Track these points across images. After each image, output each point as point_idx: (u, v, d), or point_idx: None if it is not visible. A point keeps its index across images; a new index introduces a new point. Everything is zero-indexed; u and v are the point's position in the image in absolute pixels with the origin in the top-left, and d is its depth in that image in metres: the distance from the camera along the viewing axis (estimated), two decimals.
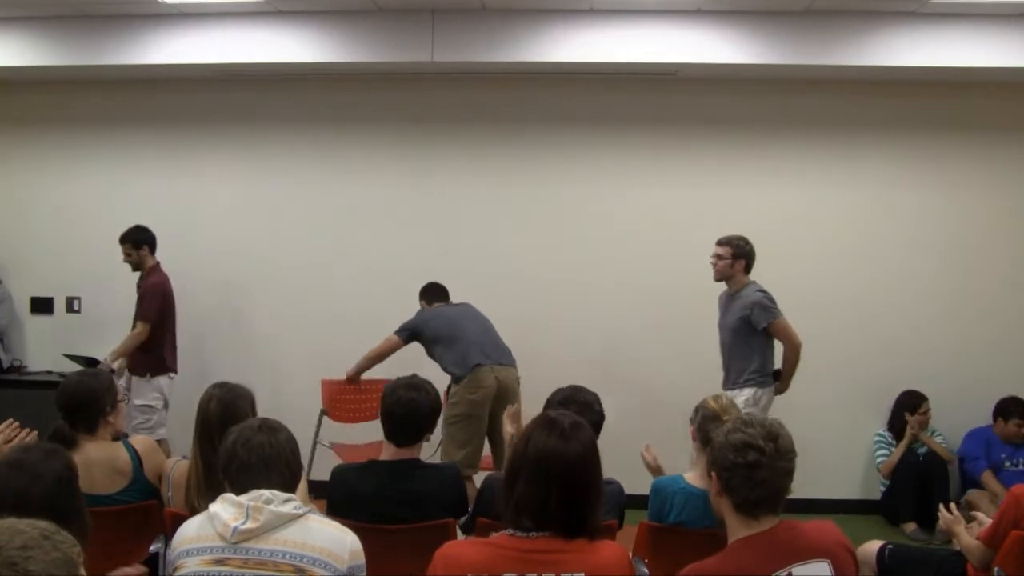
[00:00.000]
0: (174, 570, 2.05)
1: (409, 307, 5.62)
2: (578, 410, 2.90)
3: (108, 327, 5.76)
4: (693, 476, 2.93)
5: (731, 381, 4.64)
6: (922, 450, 5.29)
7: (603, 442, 2.79)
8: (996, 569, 2.92)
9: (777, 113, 5.52)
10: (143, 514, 2.96)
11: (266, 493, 2.06)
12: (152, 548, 2.91)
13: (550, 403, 3.02)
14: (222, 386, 2.95)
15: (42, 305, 5.49)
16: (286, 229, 5.74)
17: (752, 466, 1.97)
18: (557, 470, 1.97)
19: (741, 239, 4.66)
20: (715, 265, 4.67)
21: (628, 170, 5.56)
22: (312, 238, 5.73)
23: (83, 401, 2.97)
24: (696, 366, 5.39)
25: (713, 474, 2.06)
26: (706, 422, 2.90)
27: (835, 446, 5.36)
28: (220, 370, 5.53)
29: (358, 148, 5.71)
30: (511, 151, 5.63)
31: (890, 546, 3.31)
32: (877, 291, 5.44)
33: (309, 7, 5.09)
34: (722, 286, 4.74)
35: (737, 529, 2.03)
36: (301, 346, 5.70)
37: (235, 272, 5.76)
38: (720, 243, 4.66)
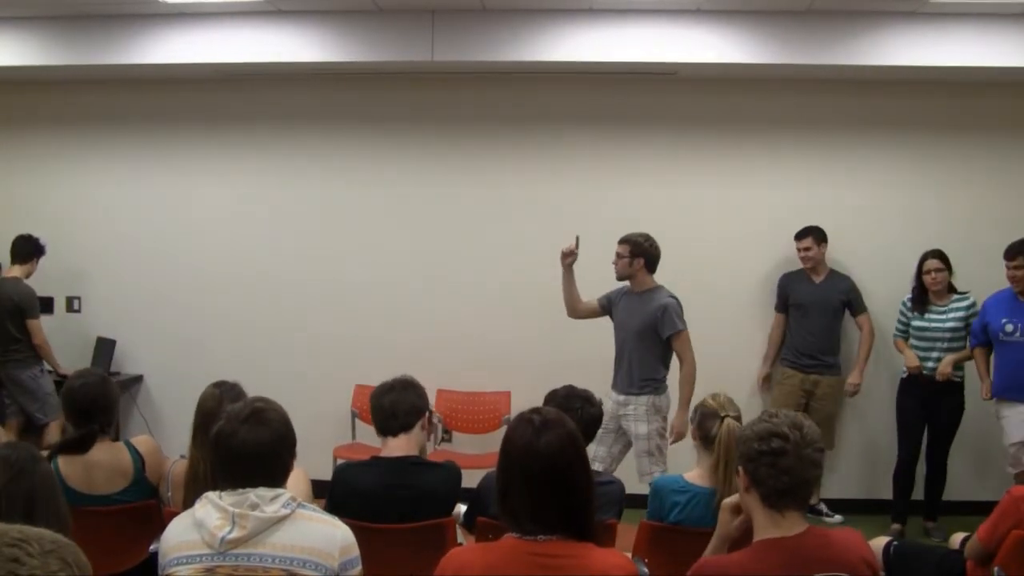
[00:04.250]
0: None
1: (410, 305, 5.64)
2: (580, 404, 2.96)
3: (108, 327, 5.79)
4: (694, 475, 2.93)
5: (629, 384, 4.49)
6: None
7: None
8: (996, 569, 2.92)
9: (777, 113, 5.52)
10: (143, 514, 2.96)
11: (252, 496, 2.02)
12: (152, 548, 2.91)
13: (550, 401, 3.04)
14: (222, 385, 2.96)
15: (42, 305, 5.48)
16: (286, 229, 5.74)
17: (777, 453, 1.95)
18: (535, 468, 1.92)
19: (641, 236, 4.52)
20: (615, 264, 4.56)
21: (628, 170, 5.56)
22: (312, 237, 5.73)
23: (103, 404, 2.98)
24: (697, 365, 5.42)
25: (740, 469, 2.04)
26: (704, 419, 2.91)
27: (836, 445, 5.35)
28: (220, 371, 5.54)
29: (358, 148, 5.71)
30: (511, 151, 5.63)
31: (895, 543, 3.32)
32: (876, 291, 5.43)
33: (309, 7, 5.09)
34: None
35: (764, 527, 2.00)
36: (304, 346, 5.70)
37: (235, 272, 5.76)
38: (620, 241, 4.55)
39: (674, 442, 4.48)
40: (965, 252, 5.20)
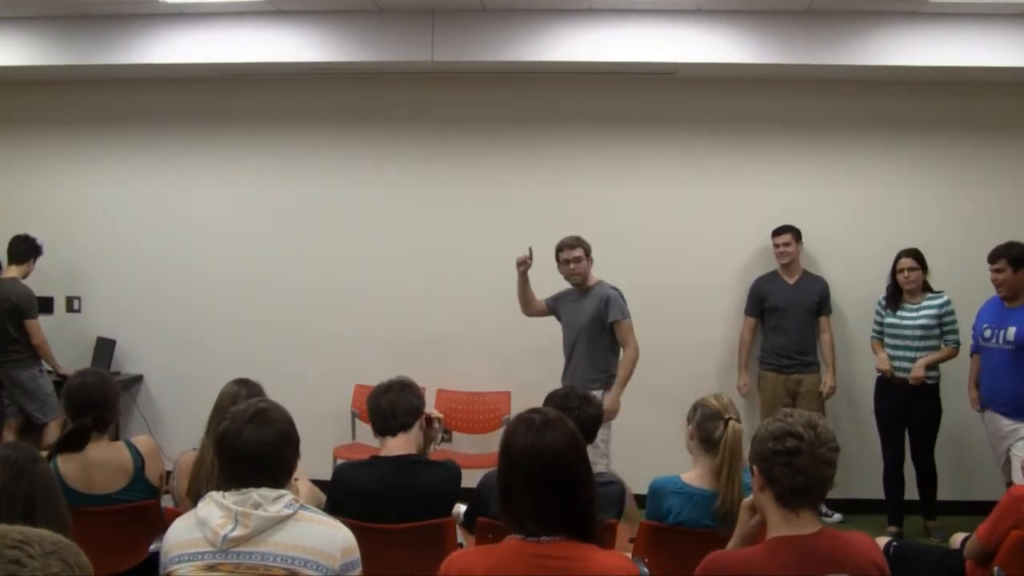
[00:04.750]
0: (167, 575, 2.05)
1: (410, 305, 5.64)
2: (578, 404, 2.96)
3: (108, 327, 5.79)
4: (691, 476, 2.90)
5: (582, 379, 4.54)
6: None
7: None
8: (996, 569, 2.92)
9: (777, 113, 5.52)
10: (143, 514, 2.97)
11: (254, 495, 2.03)
12: (152, 548, 2.92)
13: (549, 401, 3.04)
14: (245, 383, 3.03)
15: (42, 305, 5.48)
16: (286, 229, 5.74)
17: (791, 453, 1.95)
18: (538, 468, 1.92)
19: (580, 238, 4.74)
20: (575, 269, 4.69)
21: (628, 170, 5.56)
22: (312, 237, 5.72)
23: (98, 398, 2.98)
24: (696, 364, 5.42)
25: (755, 468, 2.03)
26: (706, 420, 2.86)
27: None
28: (220, 371, 5.54)
29: (358, 148, 5.71)
30: (511, 151, 5.63)
31: (895, 543, 3.32)
32: (875, 291, 5.42)
33: (309, 7, 5.09)
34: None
35: (777, 525, 2.00)
36: (304, 346, 5.70)
37: (235, 272, 5.76)
38: (569, 247, 4.71)
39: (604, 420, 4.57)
40: (964, 252, 5.19)
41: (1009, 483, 4.33)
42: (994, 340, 4.48)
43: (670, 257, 5.55)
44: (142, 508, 2.97)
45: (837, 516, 5.19)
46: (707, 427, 2.84)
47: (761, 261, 5.50)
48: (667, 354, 5.50)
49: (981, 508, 4.14)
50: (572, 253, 4.69)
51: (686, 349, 5.48)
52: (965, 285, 5.06)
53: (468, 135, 5.65)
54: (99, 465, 2.95)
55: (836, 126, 5.50)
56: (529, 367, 5.28)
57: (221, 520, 2.00)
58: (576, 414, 2.90)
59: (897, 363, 4.92)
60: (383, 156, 5.68)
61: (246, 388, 3.01)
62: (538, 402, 2.83)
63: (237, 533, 1.98)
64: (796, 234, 5.29)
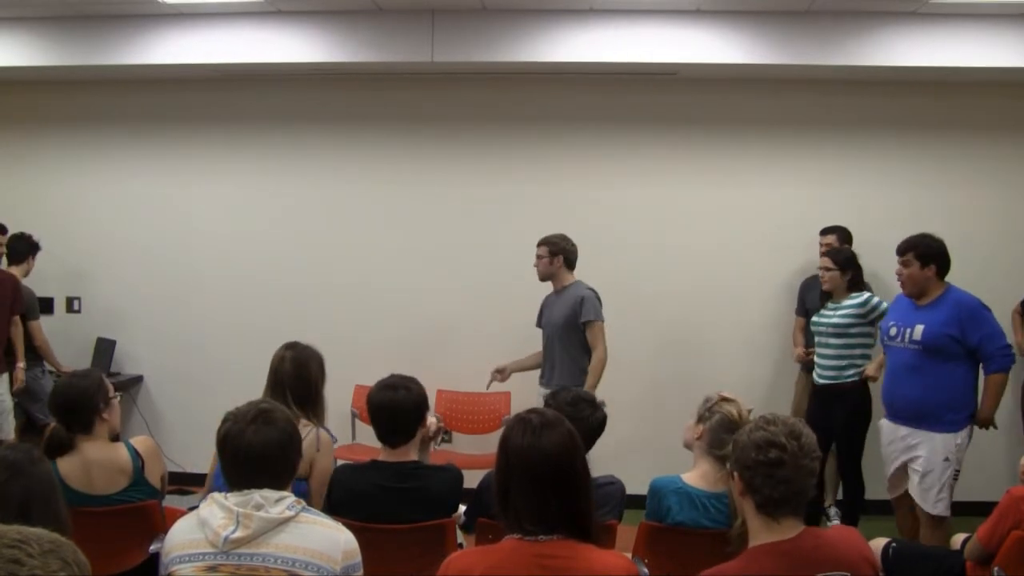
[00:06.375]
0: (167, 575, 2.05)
1: (410, 305, 5.64)
2: (588, 412, 2.93)
3: (108, 327, 5.79)
4: (692, 476, 2.87)
5: (560, 379, 4.54)
6: None
7: (603, 441, 2.79)
8: (996, 569, 2.92)
9: (777, 113, 5.51)
10: (143, 514, 2.97)
11: (256, 496, 2.03)
12: (152, 548, 2.92)
13: (549, 404, 3.02)
14: (294, 346, 3.23)
15: (42, 305, 5.49)
16: (285, 229, 5.74)
17: (774, 464, 1.94)
18: (539, 468, 1.93)
19: (558, 237, 4.77)
20: (536, 266, 4.79)
21: (628, 170, 5.56)
22: (311, 237, 5.73)
23: (75, 401, 2.97)
24: (695, 364, 5.42)
25: (735, 474, 2.02)
26: (722, 429, 2.78)
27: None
28: (220, 371, 5.55)
29: (358, 148, 5.71)
30: (511, 151, 5.63)
31: (895, 544, 3.31)
32: (876, 292, 5.43)
33: (309, 7, 5.09)
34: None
35: (759, 532, 1.99)
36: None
37: (235, 272, 5.76)
38: (538, 244, 4.78)
39: None
40: (964, 252, 5.19)
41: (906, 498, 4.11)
42: (899, 339, 4.10)
43: (669, 258, 5.55)
44: (142, 509, 2.97)
45: (835, 521, 5.14)
46: (721, 437, 2.75)
47: (760, 262, 5.50)
48: (665, 354, 5.51)
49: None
50: (537, 250, 4.77)
51: (681, 349, 5.48)
52: (964, 285, 5.04)
53: (468, 135, 5.65)
54: (99, 466, 2.95)
55: (836, 126, 5.49)
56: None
57: (223, 521, 2.01)
58: (588, 422, 2.86)
59: (816, 363, 4.68)
60: (383, 156, 5.68)
61: (291, 350, 3.22)
62: (537, 402, 2.83)
63: (238, 534, 1.98)
64: (842, 235, 5.12)
